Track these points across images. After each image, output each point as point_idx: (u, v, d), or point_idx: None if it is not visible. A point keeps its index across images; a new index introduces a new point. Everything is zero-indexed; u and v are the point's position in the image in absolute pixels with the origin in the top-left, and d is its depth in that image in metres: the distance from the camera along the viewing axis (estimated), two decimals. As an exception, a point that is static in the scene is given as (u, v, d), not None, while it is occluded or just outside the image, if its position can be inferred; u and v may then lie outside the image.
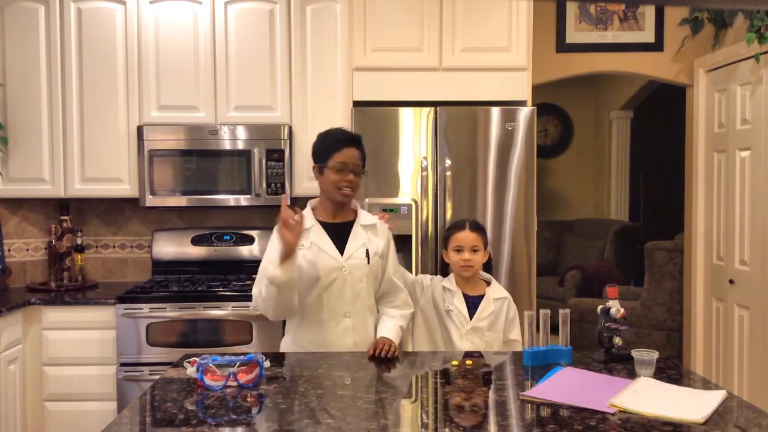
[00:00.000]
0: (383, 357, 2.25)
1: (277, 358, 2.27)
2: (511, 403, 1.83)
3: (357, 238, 2.42)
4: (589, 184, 7.58)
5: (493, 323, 2.56)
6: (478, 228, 2.61)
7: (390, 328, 2.41)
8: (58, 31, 3.56)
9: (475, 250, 2.55)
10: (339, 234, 2.41)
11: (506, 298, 2.63)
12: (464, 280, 2.59)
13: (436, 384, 2.07)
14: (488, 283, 2.65)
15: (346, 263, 2.37)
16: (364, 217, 2.49)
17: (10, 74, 3.55)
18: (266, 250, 2.38)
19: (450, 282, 2.62)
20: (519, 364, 2.19)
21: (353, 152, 2.37)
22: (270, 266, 2.24)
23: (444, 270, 2.71)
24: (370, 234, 2.44)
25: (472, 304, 2.57)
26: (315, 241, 2.37)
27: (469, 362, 2.20)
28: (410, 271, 3.28)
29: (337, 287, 2.37)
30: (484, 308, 2.56)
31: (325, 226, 2.42)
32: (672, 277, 4.69)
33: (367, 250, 2.41)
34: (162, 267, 3.78)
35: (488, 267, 2.69)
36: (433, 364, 2.27)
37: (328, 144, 2.38)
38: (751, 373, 3.55)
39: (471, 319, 2.54)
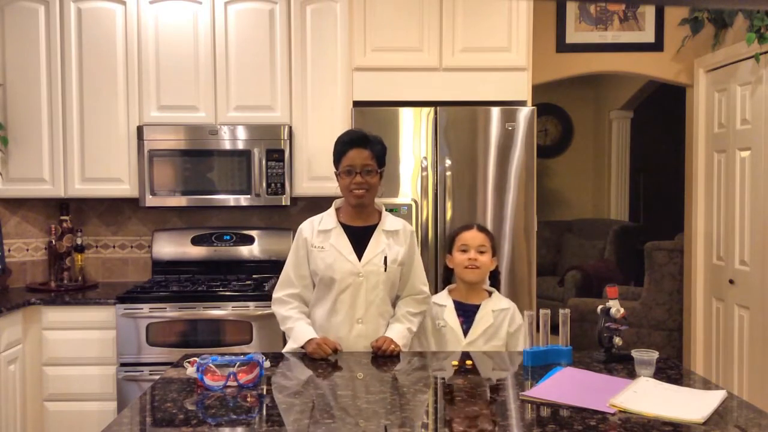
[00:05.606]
0: (385, 355, 2.26)
1: (277, 358, 2.27)
2: (511, 403, 1.83)
3: (377, 244, 2.37)
4: (589, 184, 7.58)
5: (491, 337, 2.42)
6: (486, 230, 2.51)
7: (397, 330, 2.36)
8: (58, 31, 3.55)
9: (482, 251, 2.43)
10: (360, 238, 2.37)
11: (508, 309, 2.46)
12: (467, 287, 2.46)
13: (436, 384, 2.07)
14: (489, 294, 2.50)
15: (362, 269, 2.34)
16: (389, 221, 2.42)
17: (10, 74, 3.55)
18: (288, 258, 2.46)
19: (441, 296, 2.51)
20: (519, 364, 2.19)
21: (360, 153, 2.33)
22: (294, 332, 2.36)
23: (447, 279, 2.59)
24: (391, 240, 2.39)
25: (471, 313, 2.44)
26: (334, 243, 2.35)
27: (469, 362, 2.20)
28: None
29: (352, 293, 2.34)
30: (480, 322, 2.42)
31: (347, 229, 2.39)
32: (672, 277, 4.68)
33: (385, 258, 2.36)
34: (162, 267, 3.77)
35: (494, 281, 2.55)
36: (433, 365, 2.27)
37: (337, 149, 2.38)
38: (751, 373, 3.55)
39: (466, 333, 2.41)
